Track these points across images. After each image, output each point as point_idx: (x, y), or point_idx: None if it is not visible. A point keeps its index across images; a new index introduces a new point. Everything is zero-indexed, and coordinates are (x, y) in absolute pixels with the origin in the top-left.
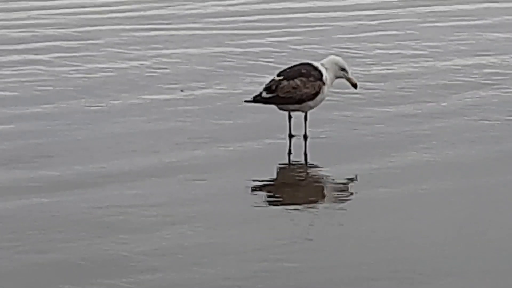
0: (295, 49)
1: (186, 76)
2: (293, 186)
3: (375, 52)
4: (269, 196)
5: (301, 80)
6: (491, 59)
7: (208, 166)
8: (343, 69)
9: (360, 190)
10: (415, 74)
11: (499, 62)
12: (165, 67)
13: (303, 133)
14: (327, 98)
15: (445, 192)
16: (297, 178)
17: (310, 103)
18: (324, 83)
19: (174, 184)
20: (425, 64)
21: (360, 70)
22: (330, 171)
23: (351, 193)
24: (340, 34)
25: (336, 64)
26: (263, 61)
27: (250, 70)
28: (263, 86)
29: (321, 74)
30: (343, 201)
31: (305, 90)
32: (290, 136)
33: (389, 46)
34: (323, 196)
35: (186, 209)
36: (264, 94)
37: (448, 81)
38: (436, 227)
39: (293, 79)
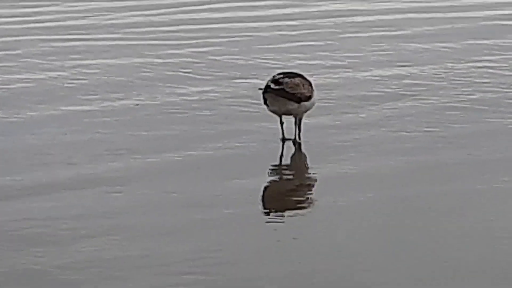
0: (215, 59)
1: (104, 87)
2: (213, 197)
3: (295, 63)
4: (188, 208)
5: (300, 80)
6: (411, 69)
7: (126, 178)
8: None
9: (279, 201)
10: (335, 85)
11: (418, 73)
12: (84, 78)
13: (293, 137)
14: (246, 109)
15: (364, 203)
16: (217, 189)
17: (307, 104)
18: (313, 90)
19: (91, 196)
20: (345, 75)
21: None
22: (246, 183)
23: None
24: (260, 44)
25: None
26: (183, 72)
27: (169, 81)
28: (268, 81)
29: (310, 81)
30: (261, 212)
31: (303, 90)
32: (284, 139)
33: (309, 56)
34: (243, 206)
35: (103, 222)
36: (273, 85)
37: (367, 92)
38: (354, 238)
39: (293, 78)
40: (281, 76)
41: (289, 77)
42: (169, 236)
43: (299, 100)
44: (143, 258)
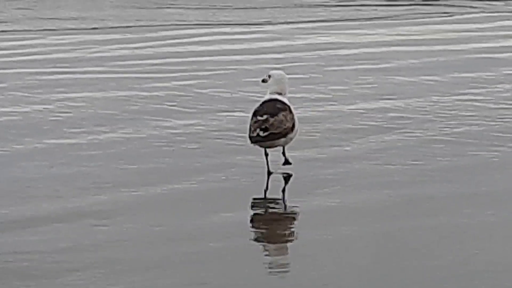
0: (200, 93)
1: (90, 120)
2: (198, 230)
3: None
4: (173, 241)
5: (283, 115)
6: (396, 102)
7: (111, 212)
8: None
9: (264, 235)
10: (320, 118)
11: (404, 106)
12: (69, 111)
13: (283, 161)
14: (231, 142)
15: (349, 237)
16: (202, 222)
17: (291, 135)
18: (293, 115)
19: (76, 229)
20: (330, 108)
21: None
22: (231, 217)
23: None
24: (246, 77)
25: (284, 77)
26: (168, 105)
27: (155, 114)
28: (253, 128)
29: (289, 106)
30: (249, 245)
31: (288, 124)
32: (269, 173)
33: (294, 90)
34: (228, 240)
35: (88, 255)
36: (261, 133)
37: (353, 125)
38: (340, 273)
39: (276, 114)
40: (263, 112)
41: (271, 114)
42: (154, 269)
43: (284, 135)
44: None
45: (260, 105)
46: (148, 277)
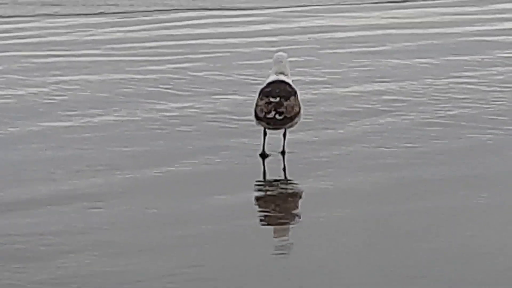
0: (195, 75)
1: (85, 103)
2: (192, 213)
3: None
4: (168, 224)
5: (293, 99)
6: (390, 85)
7: (106, 194)
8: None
9: (258, 217)
10: (314, 100)
11: (398, 88)
12: (64, 94)
13: (280, 149)
14: (225, 125)
15: (342, 220)
16: (197, 205)
17: (297, 119)
18: (298, 98)
19: (71, 212)
20: (324, 90)
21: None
22: (225, 199)
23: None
24: (241, 60)
25: (283, 58)
26: (162, 88)
27: (149, 97)
28: (266, 109)
29: (295, 89)
30: (243, 227)
31: (296, 108)
32: (264, 155)
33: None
34: (222, 223)
35: (82, 238)
36: (278, 117)
37: (347, 108)
38: (335, 256)
39: (288, 98)
40: (275, 94)
41: (285, 97)
42: (148, 252)
43: (292, 118)
44: (122, 274)
45: (268, 85)
46: (142, 260)
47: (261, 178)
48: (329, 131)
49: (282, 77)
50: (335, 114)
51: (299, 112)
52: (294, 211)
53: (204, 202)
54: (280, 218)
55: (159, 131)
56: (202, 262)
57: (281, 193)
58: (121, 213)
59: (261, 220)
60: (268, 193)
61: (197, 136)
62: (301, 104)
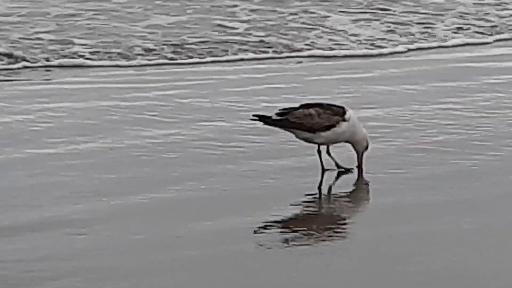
0: (181, 102)
1: (70, 130)
2: (177, 238)
3: (260, 105)
4: (152, 249)
5: (316, 110)
6: (377, 112)
7: (90, 220)
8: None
9: (242, 244)
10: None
11: (384, 114)
12: (50, 121)
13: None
14: (211, 152)
15: (330, 245)
16: (181, 231)
17: (323, 134)
18: (345, 120)
19: (55, 238)
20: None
21: (245, 124)
22: (210, 225)
23: (231, 246)
24: (227, 87)
25: (365, 139)
26: (149, 115)
27: (135, 123)
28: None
29: (344, 112)
30: (227, 253)
31: (318, 120)
32: (323, 170)
33: (275, 99)
34: (207, 248)
35: (66, 264)
36: (274, 117)
37: None
38: (322, 280)
39: (308, 108)
40: (298, 106)
41: (304, 108)
42: (133, 277)
43: (309, 130)
44: None
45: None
46: (125, 286)
47: (248, 205)
48: (314, 157)
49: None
50: None
51: (326, 128)
52: (278, 238)
53: (189, 227)
54: (262, 245)
55: (144, 157)
56: (187, 287)
57: (264, 218)
58: (105, 239)
59: (245, 245)
60: (251, 218)
61: (182, 163)
62: (340, 124)
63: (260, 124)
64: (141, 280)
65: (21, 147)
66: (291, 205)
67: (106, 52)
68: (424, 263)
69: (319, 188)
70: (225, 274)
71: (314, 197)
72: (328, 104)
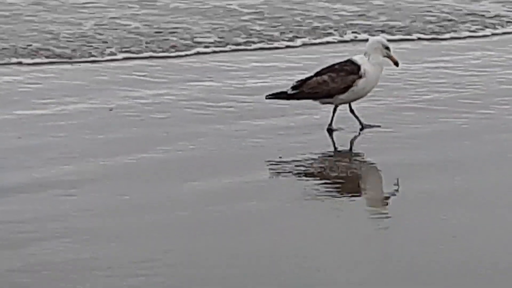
0: (171, 63)
1: (59, 91)
2: (165, 199)
3: (250, 65)
4: (140, 210)
5: (329, 76)
6: None
7: (79, 181)
8: (386, 47)
9: (231, 203)
10: (287, 86)
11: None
12: (39, 82)
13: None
14: (200, 112)
15: (317, 206)
16: (170, 192)
17: (341, 96)
18: (360, 77)
19: (44, 199)
20: (300, 76)
21: (234, 83)
22: (199, 185)
23: (226, 206)
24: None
25: (378, 42)
26: (137, 75)
27: (124, 84)
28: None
29: (359, 68)
30: (217, 213)
31: (333, 85)
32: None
33: (264, 59)
34: (195, 209)
35: (55, 225)
36: (290, 91)
37: None
38: (297, 241)
39: (322, 75)
40: (312, 75)
41: (318, 75)
42: (121, 238)
43: (327, 96)
44: (94, 260)
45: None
46: (115, 247)
47: (237, 165)
48: (304, 116)
49: (356, 58)
50: (308, 102)
51: (343, 90)
52: (265, 199)
53: (177, 188)
54: (249, 206)
55: (133, 118)
56: (174, 248)
57: (251, 179)
58: (94, 200)
59: (233, 206)
60: (240, 179)
61: (171, 123)
62: (356, 82)
63: (250, 83)
64: (129, 240)
65: (10, 109)
66: (279, 164)
67: None
68: (411, 222)
69: (351, 143)
70: (214, 234)
71: (303, 156)
72: (341, 64)
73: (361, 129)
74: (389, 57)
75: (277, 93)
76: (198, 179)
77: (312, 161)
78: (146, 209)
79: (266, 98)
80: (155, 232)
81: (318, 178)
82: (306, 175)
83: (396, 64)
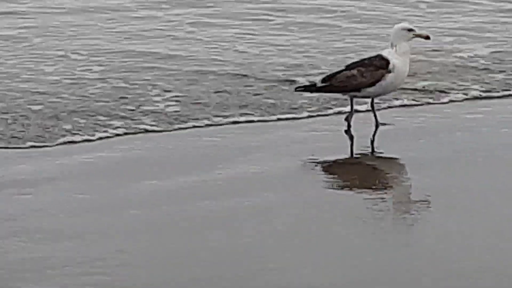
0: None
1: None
2: (121, 199)
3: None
4: (96, 210)
5: (358, 70)
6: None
7: (35, 180)
8: (410, 30)
9: (185, 203)
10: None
11: None
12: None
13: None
14: None
15: (271, 204)
16: (126, 191)
17: (370, 89)
18: (389, 72)
19: None
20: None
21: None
22: (155, 185)
23: (179, 207)
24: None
25: (402, 30)
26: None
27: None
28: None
29: (388, 64)
30: (172, 213)
31: (361, 80)
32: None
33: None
34: (151, 208)
35: (10, 224)
36: (319, 84)
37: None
38: (260, 240)
39: (351, 69)
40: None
41: (347, 69)
42: (76, 237)
43: (355, 90)
44: (49, 259)
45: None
46: (70, 246)
47: (193, 164)
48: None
49: (385, 53)
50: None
51: (371, 84)
52: (222, 196)
53: (133, 188)
54: (206, 205)
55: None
56: (129, 248)
57: (207, 178)
58: (49, 199)
59: (191, 206)
60: (196, 178)
61: None
62: (384, 76)
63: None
64: (84, 239)
65: None
66: (234, 163)
67: None
68: (384, 221)
69: (372, 142)
70: (170, 234)
71: (259, 156)
72: (370, 59)
73: (376, 127)
74: (418, 35)
75: (306, 86)
76: (154, 179)
77: (266, 160)
78: (101, 208)
79: (295, 91)
80: (111, 232)
81: (271, 176)
82: (261, 174)
83: (428, 37)
